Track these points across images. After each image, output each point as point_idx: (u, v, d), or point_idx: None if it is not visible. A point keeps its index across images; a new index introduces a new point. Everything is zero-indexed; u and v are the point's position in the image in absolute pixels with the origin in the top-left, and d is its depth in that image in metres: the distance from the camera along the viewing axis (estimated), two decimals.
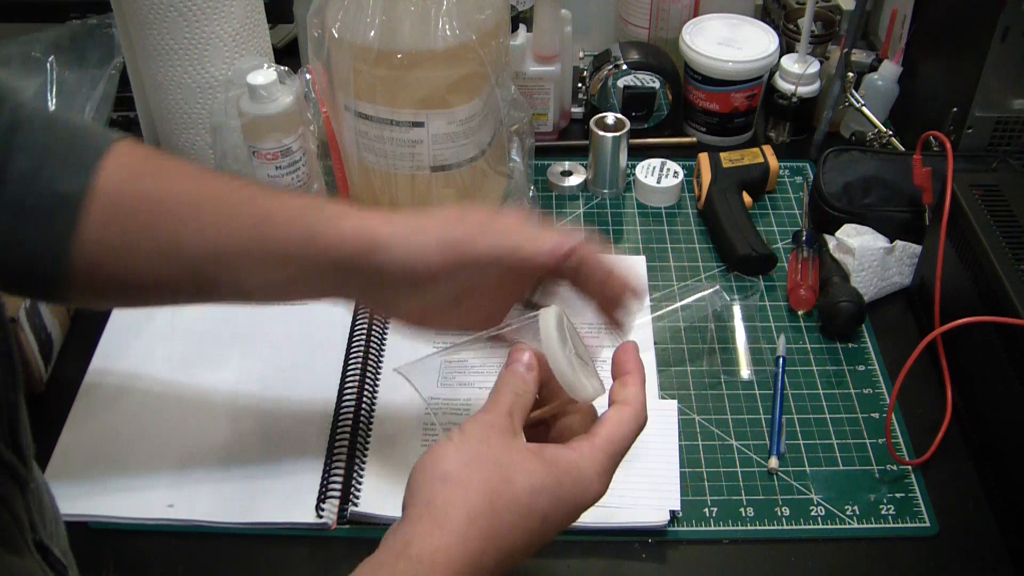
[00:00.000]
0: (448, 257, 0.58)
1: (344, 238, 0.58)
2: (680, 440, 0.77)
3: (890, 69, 1.06)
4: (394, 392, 0.80)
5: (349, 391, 0.79)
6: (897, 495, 0.74)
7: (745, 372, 0.83)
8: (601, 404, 0.57)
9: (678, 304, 0.88)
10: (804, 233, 0.92)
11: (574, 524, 0.70)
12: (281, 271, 0.60)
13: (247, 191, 0.61)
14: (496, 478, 0.50)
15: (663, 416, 0.78)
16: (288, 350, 0.84)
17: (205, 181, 0.62)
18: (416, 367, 0.59)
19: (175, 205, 0.60)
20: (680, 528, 0.72)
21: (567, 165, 1.04)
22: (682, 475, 0.74)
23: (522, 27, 1.04)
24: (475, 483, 0.50)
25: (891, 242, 0.89)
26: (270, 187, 0.63)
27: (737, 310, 0.89)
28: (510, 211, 0.62)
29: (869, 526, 0.72)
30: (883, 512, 0.73)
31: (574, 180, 1.03)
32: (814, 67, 1.04)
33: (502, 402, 0.54)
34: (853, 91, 1.04)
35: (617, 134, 0.98)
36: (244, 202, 0.60)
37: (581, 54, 1.11)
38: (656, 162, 1.02)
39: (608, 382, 0.57)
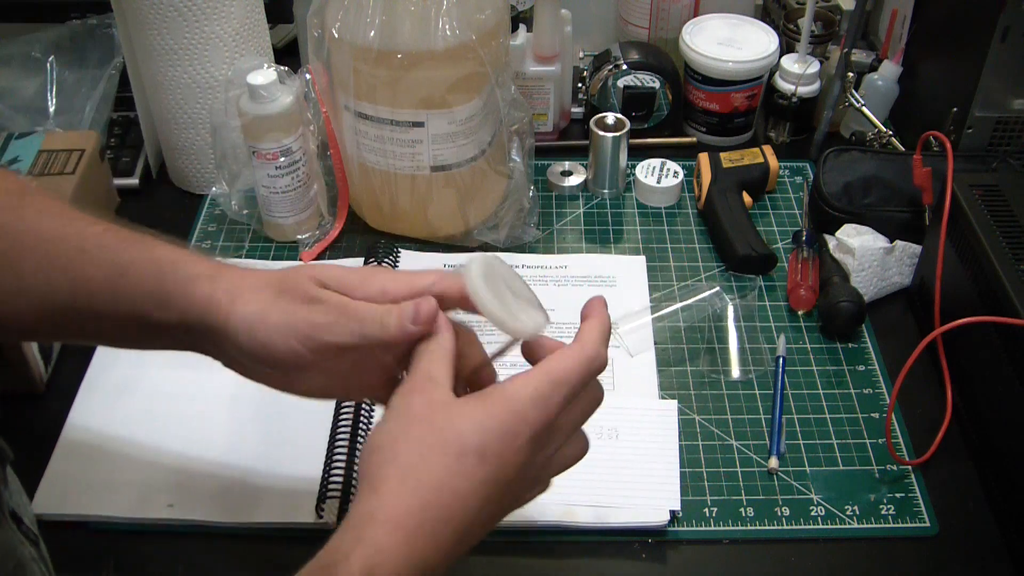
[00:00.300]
0: (305, 346, 0.55)
1: (194, 307, 0.56)
2: (680, 440, 0.77)
3: (890, 69, 1.06)
4: None
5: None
6: (897, 495, 0.74)
7: (736, 372, 0.83)
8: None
9: (678, 305, 0.88)
10: (804, 233, 0.92)
11: (574, 524, 0.71)
12: (136, 327, 0.58)
13: (110, 238, 0.59)
14: (421, 429, 0.50)
15: (663, 416, 0.78)
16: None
17: (68, 223, 0.59)
18: None
19: (30, 243, 0.58)
20: (680, 528, 0.72)
21: (567, 165, 1.04)
22: (682, 475, 0.74)
23: (522, 27, 1.04)
24: (401, 441, 0.49)
25: (891, 242, 0.89)
26: (134, 235, 0.59)
27: (731, 310, 0.89)
28: (367, 278, 0.57)
29: (869, 526, 0.72)
30: (883, 512, 0.73)
31: (574, 180, 1.03)
32: (814, 67, 1.04)
33: (418, 368, 0.53)
34: (853, 91, 1.04)
35: (617, 134, 0.98)
36: (104, 249, 0.58)
37: (581, 54, 1.11)
38: (656, 162, 1.02)
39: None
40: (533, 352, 0.56)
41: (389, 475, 0.48)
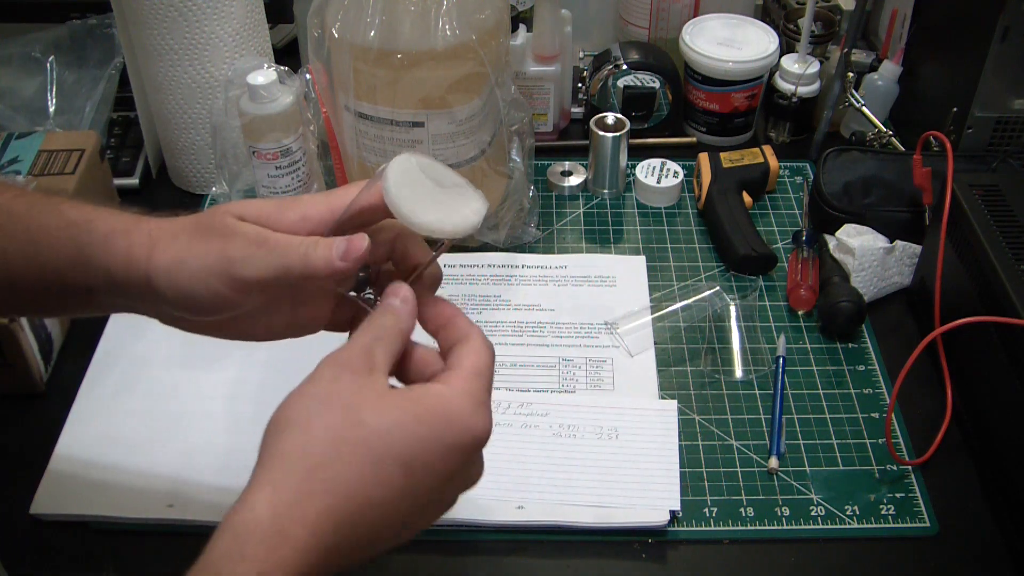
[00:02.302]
0: (225, 285, 0.51)
1: (115, 265, 0.53)
2: (680, 440, 0.77)
3: (890, 69, 1.06)
4: None
5: None
6: (897, 495, 0.74)
7: (739, 372, 0.83)
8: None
9: (678, 305, 0.88)
10: (804, 233, 0.92)
11: (574, 524, 0.71)
12: (61, 289, 0.56)
13: (21, 204, 0.56)
14: (343, 421, 0.44)
15: (663, 416, 0.78)
16: (288, 349, 0.84)
17: None
18: None
19: None
20: (680, 528, 0.72)
21: (567, 165, 1.04)
22: (682, 475, 0.74)
23: (522, 27, 1.04)
24: (318, 427, 0.44)
25: (891, 242, 0.89)
26: (50, 199, 0.56)
27: (733, 310, 0.89)
28: (288, 207, 0.53)
29: (869, 526, 0.72)
30: (883, 512, 0.73)
31: (574, 180, 1.03)
32: (814, 67, 1.04)
33: (361, 338, 0.48)
34: (853, 91, 1.04)
35: (617, 134, 0.98)
36: (15, 216, 0.56)
37: (581, 54, 1.11)
38: (656, 162, 1.02)
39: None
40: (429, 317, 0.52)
41: (294, 467, 0.43)
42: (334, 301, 0.57)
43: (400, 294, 0.51)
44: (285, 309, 0.55)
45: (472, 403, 0.47)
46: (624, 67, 1.04)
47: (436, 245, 0.53)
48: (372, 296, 0.54)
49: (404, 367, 0.52)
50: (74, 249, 0.54)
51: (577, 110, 1.11)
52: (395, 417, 0.45)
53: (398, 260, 0.54)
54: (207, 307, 0.52)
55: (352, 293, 0.55)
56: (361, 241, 0.49)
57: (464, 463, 0.47)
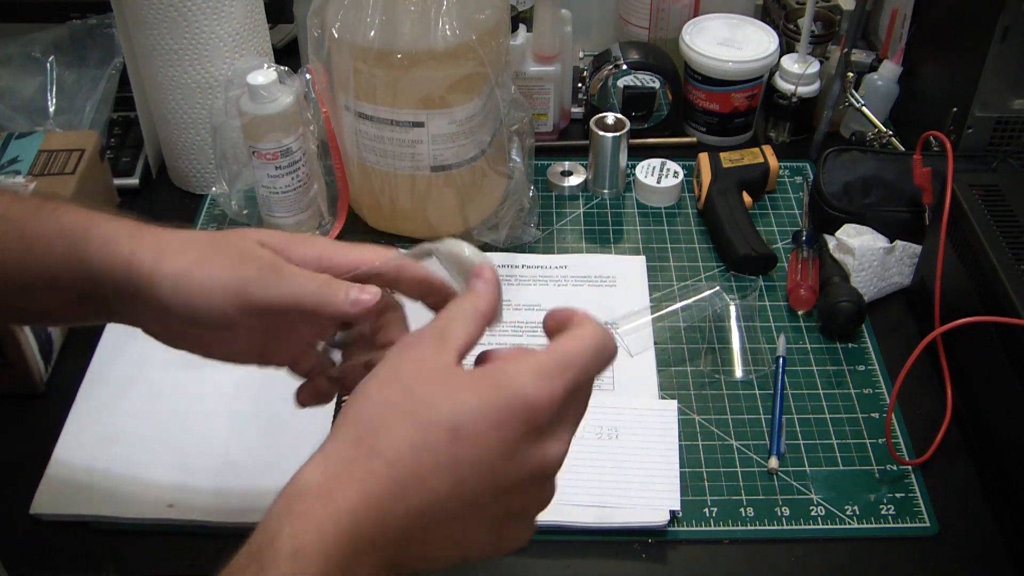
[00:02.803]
0: (231, 304, 0.51)
1: (114, 268, 0.53)
2: (680, 440, 0.77)
3: (890, 69, 1.06)
4: None
5: None
6: (897, 495, 0.74)
7: (739, 372, 0.83)
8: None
9: (678, 305, 0.88)
10: (804, 233, 0.92)
11: (574, 524, 0.70)
12: (57, 297, 0.56)
13: (16, 209, 0.56)
14: (395, 393, 0.44)
15: (663, 416, 0.78)
16: None
17: None
18: None
19: None
20: (680, 528, 0.71)
21: (567, 165, 1.04)
22: (682, 475, 0.74)
23: (522, 27, 1.04)
24: (373, 400, 0.44)
25: (891, 242, 0.89)
26: (45, 203, 0.56)
27: (733, 310, 0.89)
28: (304, 243, 0.55)
29: (869, 526, 0.72)
30: (883, 512, 0.72)
31: (574, 180, 1.03)
32: (814, 67, 1.04)
33: (438, 319, 0.48)
34: (853, 91, 1.04)
35: (617, 134, 0.98)
36: (9, 221, 0.56)
37: (581, 54, 1.11)
38: (656, 162, 1.02)
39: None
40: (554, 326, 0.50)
41: (346, 434, 0.43)
42: (305, 346, 0.58)
43: (484, 275, 0.50)
44: (266, 340, 0.57)
45: (535, 374, 0.44)
46: (624, 67, 1.04)
47: None
48: (338, 353, 0.57)
49: (492, 356, 0.49)
50: (69, 254, 0.54)
51: (577, 110, 1.11)
52: (447, 385, 0.44)
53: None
54: (208, 321, 0.53)
55: (321, 344, 0.58)
56: (374, 292, 0.51)
57: (526, 439, 0.44)
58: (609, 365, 0.48)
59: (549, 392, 0.44)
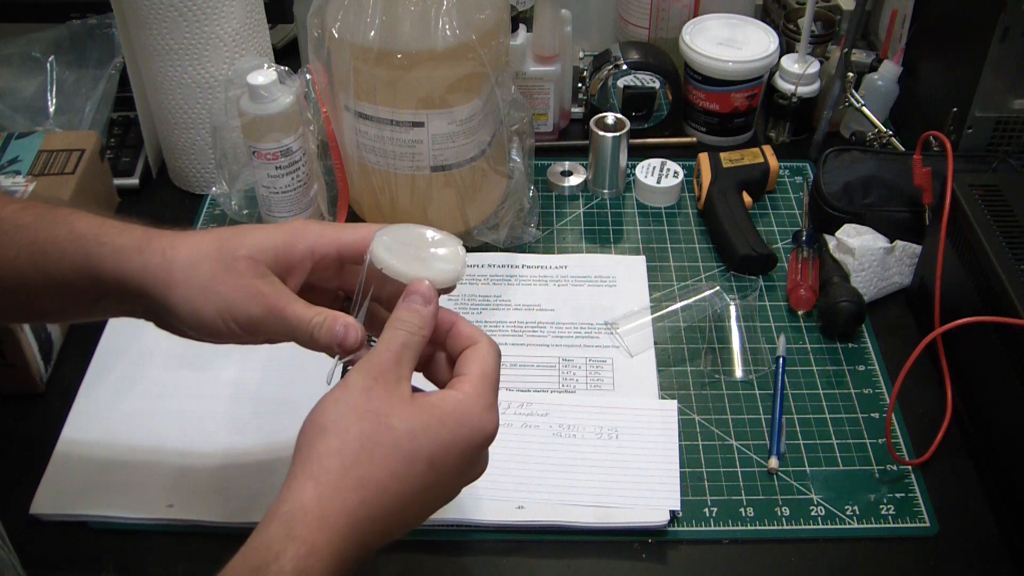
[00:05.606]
0: (237, 326, 0.57)
1: (129, 279, 0.57)
2: (680, 440, 0.77)
3: (890, 69, 1.06)
4: None
5: None
6: (897, 495, 0.74)
7: (739, 372, 0.83)
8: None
9: (678, 305, 0.88)
10: (804, 233, 0.92)
11: (574, 524, 0.71)
12: (66, 300, 0.59)
13: (28, 216, 0.59)
14: (374, 426, 0.50)
15: (663, 416, 0.78)
16: (288, 348, 0.84)
17: None
18: None
19: None
20: (680, 528, 0.72)
21: (567, 165, 1.04)
22: (682, 475, 0.74)
23: (522, 27, 1.04)
24: (352, 431, 0.49)
25: (891, 242, 0.89)
26: (57, 210, 0.60)
27: (733, 310, 0.89)
28: (298, 238, 0.59)
29: (869, 526, 0.72)
30: (883, 512, 0.73)
31: (574, 180, 1.03)
32: (814, 67, 1.04)
33: (391, 347, 0.53)
34: (853, 91, 1.04)
35: (617, 134, 0.98)
36: (22, 228, 0.58)
37: (581, 54, 1.11)
38: (656, 162, 1.02)
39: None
40: (448, 341, 0.58)
41: (332, 465, 0.48)
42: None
43: (422, 291, 0.55)
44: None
45: (483, 405, 0.53)
46: (624, 67, 1.04)
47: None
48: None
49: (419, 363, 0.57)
50: (83, 261, 0.57)
51: (577, 110, 1.11)
52: (421, 420, 0.51)
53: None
54: (219, 335, 0.57)
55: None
56: (356, 333, 0.55)
57: (476, 458, 0.54)
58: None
59: (496, 418, 0.54)
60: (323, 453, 0.49)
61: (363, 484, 0.48)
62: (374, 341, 0.57)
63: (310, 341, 0.56)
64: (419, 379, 0.58)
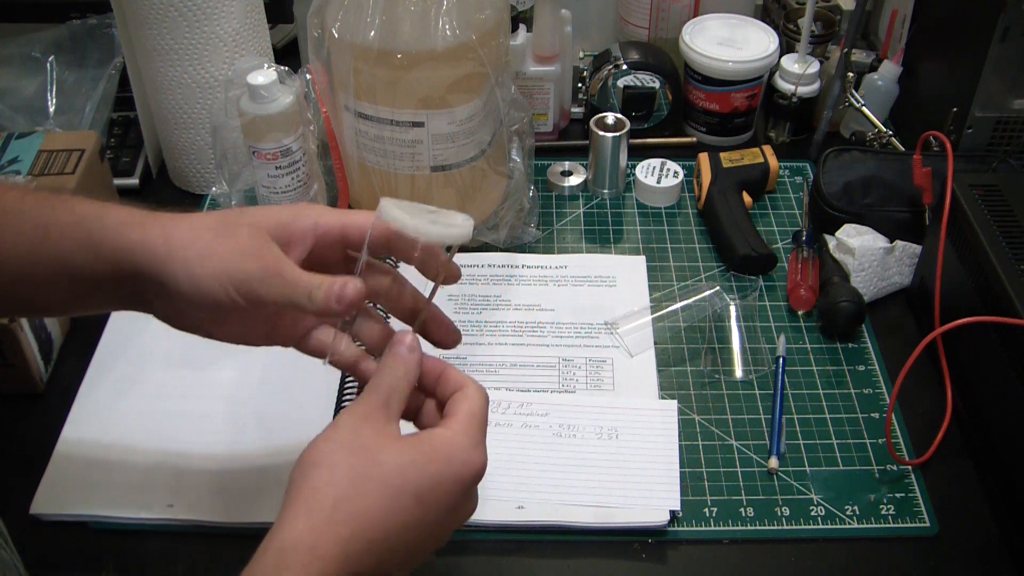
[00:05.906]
0: (237, 293, 0.55)
1: (129, 253, 0.56)
2: (680, 440, 0.77)
3: (890, 69, 1.06)
4: None
5: (349, 390, 0.79)
6: (897, 495, 0.74)
7: (739, 372, 0.83)
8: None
9: (678, 305, 0.88)
10: (804, 233, 0.92)
11: (574, 524, 0.71)
12: (68, 285, 0.58)
13: (29, 201, 0.59)
14: (364, 461, 0.51)
15: (663, 416, 0.78)
16: (288, 348, 0.84)
17: None
18: None
19: None
20: (680, 528, 0.72)
21: (567, 165, 1.04)
22: (682, 475, 0.74)
23: (522, 27, 1.04)
24: (342, 466, 0.50)
25: (891, 242, 0.89)
26: (57, 195, 0.60)
27: (733, 310, 0.89)
28: (301, 216, 0.59)
29: (869, 526, 0.72)
30: (883, 512, 0.73)
31: (574, 180, 1.03)
32: (814, 67, 1.04)
33: (380, 391, 0.54)
34: (853, 91, 1.04)
35: (617, 134, 0.98)
36: (24, 212, 0.58)
37: (581, 54, 1.11)
38: (656, 162, 1.02)
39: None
40: (437, 386, 0.58)
41: (323, 498, 0.49)
42: (308, 328, 0.62)
43: (407, 342, 0.56)
44: (268, 324, 0.61)
45: (471, 442, 0.54)
46: (624, 67, 1.04)
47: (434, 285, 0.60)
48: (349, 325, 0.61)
49: (408, 408, 0.58)
50: (84, 239, 0.57)
51: (577, 110, 1.11)
52: (410, 456, 0.52)
53: (422, 269, 0.60)
54: (216, 306, 0.56)
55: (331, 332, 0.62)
56: (354, 286, 0.55)
57: (465, 496, 0.54)
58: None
59: (484, 456, 0.54)
60: (315, 487, 0.50)
61: (354, 517, 0.49)
62: (381, 310, 0.57)
63: (308, 301, 0.55)
64: (409, 428, 0.58)
